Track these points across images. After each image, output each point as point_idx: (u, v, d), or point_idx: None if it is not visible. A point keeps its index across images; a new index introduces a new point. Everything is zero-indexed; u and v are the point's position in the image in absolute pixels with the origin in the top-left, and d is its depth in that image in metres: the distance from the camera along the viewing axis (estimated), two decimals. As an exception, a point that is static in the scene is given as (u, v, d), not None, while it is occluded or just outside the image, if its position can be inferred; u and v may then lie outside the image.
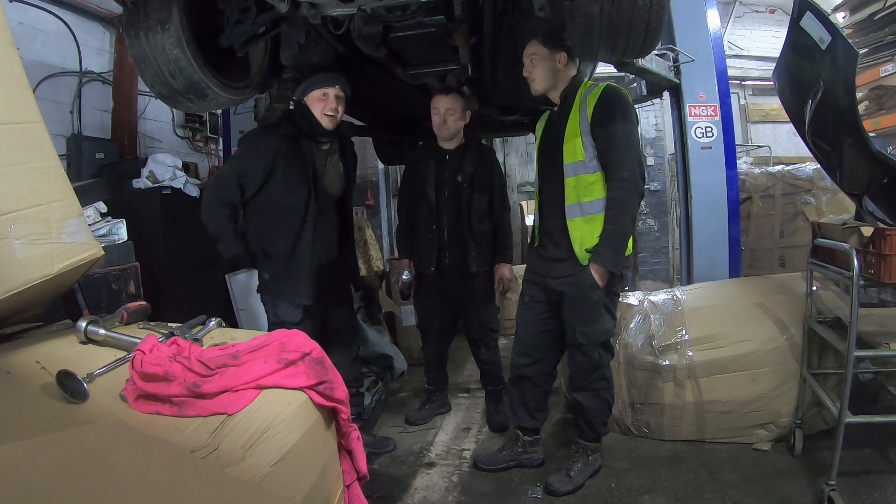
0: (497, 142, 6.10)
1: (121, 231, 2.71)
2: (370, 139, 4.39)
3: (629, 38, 1.58)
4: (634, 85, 3.48)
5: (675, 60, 3.10)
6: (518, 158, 6.44)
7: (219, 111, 4.60)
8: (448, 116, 2.51)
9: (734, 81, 6.32)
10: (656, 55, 2.93)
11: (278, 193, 2.09)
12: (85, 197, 2.38)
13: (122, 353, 1.14)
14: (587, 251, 1.96)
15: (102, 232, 2.63)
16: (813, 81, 1.99)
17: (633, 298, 2.60)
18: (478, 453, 2.39)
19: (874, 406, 2.47)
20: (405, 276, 2.76)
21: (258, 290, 2.22)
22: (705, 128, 3.14)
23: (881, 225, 1.88)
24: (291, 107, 2.37)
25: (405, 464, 2.38)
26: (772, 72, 2.47)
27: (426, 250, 2.66)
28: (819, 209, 4.09)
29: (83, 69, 3.82)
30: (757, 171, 4.53)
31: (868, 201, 2.03)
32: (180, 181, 3.42)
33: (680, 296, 2.55)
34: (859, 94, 4.15)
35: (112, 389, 1.02)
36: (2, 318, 1.22)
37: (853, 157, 1.97)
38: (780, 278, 2.72)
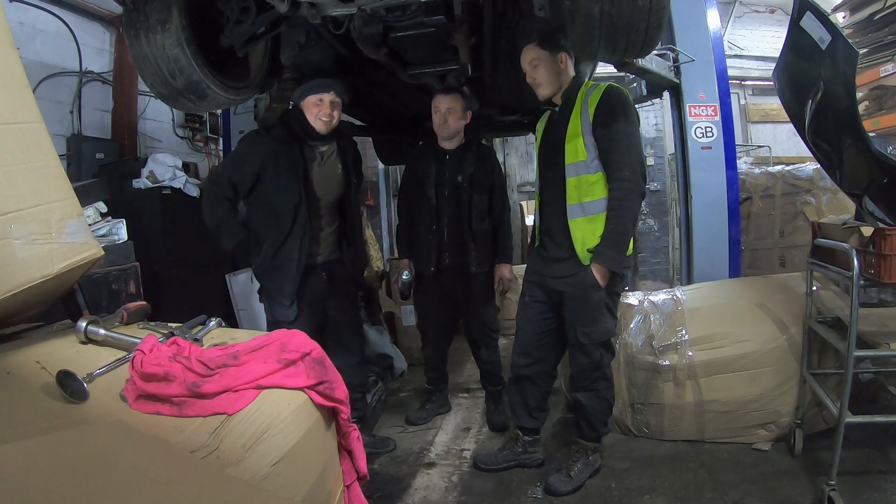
0: (497, 142, 6.09)
1: (121, 231, 2.70)
2: (370, 139, 4.39)
3: (629, 38, 1.58)
4: (634, 85, 3.47)
5: (675, 60, 3.10)
6: (518, 158, 6.44)
7: (219, 111, 4.60)
8: (449, 115, 2.51)
9: (734, 81, 6.33)
10: (656, 55, 2.93)
11: (270, 195, 2.13)
12: (85, 197, 2.38)
13: (122, 353, 1.14)
14: (589, 251, 1.96)
15: (102, 232, 2.63)
16: (813, 81, 1.99)
17: (633, 298, 2.60)
18: (478, 453, 2.39)
19: (874, 406, 2.47)
20: (405, 276, 2.76)
21: (258, 291, 2.26)
22: (705, 128, 3.14)
23: (881, 225, 1.87)
24: (291, 107, 2.38)
25: (405, 464, 2.38)
26: (772, 72, 2.47)
27: (426, 250, 2.66)
28: (819, 209, 4.09)
29: (83, 69, 3.81)
30: (757, 171, 4.53)
31: (868, 201, 2.02)
32: (180, 181, 3.43)
33: (680, 296, 2.55)
34: (859, 94, 4.15)
35: (112, 389, 1.02)
36: (2, 318, 1.22)
37: (853, 157, 1.97)
38: (780, 278, 2.72)
